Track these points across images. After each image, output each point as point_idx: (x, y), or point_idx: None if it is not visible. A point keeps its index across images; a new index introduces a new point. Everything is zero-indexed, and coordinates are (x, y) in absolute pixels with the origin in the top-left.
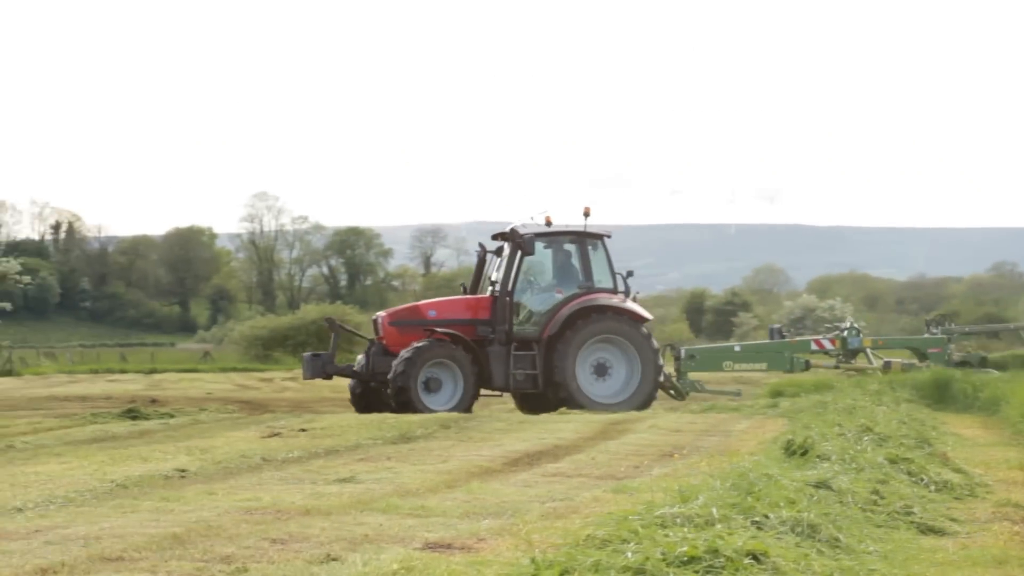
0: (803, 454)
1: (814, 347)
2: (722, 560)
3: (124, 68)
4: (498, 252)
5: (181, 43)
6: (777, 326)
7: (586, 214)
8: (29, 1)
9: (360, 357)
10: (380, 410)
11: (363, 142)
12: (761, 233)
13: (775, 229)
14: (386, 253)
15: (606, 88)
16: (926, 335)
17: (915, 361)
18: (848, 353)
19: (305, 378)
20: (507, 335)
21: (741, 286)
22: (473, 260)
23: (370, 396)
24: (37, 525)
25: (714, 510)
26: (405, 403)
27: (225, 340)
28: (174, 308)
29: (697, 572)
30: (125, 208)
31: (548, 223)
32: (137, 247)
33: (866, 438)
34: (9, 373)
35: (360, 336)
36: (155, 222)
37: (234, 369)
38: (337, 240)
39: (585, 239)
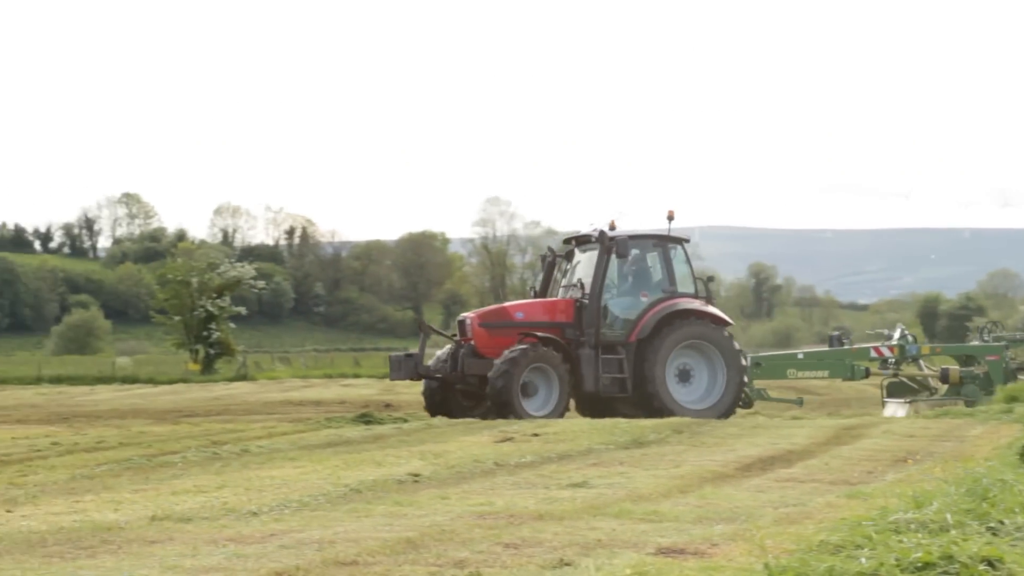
0: None
1: (873, 355)
2: (956, 566)
3: (358, 76)
4: (568, 256)
5: (413, 54)
6: (836, 333)
7: (670, 218)
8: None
9: (439, 355)
10: (455, 413)
11: (594, 146)
12: (996, 237)
13: (1010, 233)
14: None
15: (840, 92)
16: (976, 342)
17: (973, 368)
18: (901, 361)
19: (393, 379)
20: (595, 339)
21: (976, 291)
22: (704, 264)
23: (447, 398)
24: (272, 529)
25: (948, 516)
26: (505, 406)
27: None
28: (407, 313)
29: None
30: (358, 213)
31: (612, 227)
32: (370, 252)
33: None
34: (244, 378)
35: (447, 337)
36: (388, 227)
37: None
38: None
39: (667, 243)
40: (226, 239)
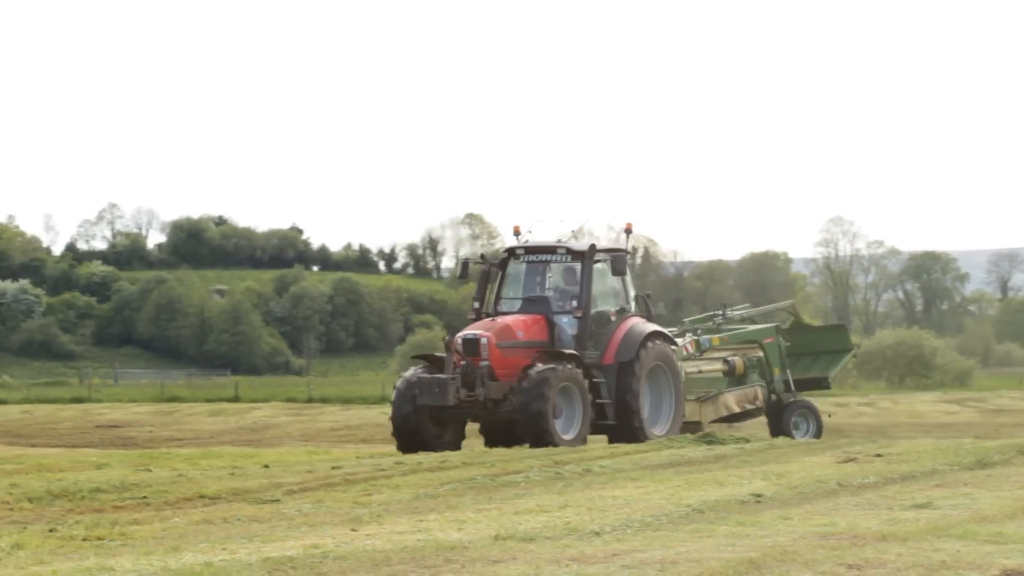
0: None
1: (683, 352)
2: None
3: (707, 97)
4: (502, 266)
5: (755, 71)
6: None
7: (628, 231)
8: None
9: (410, 373)
10: (428, 445)
11: (942, 161)
12: None
13: None
14: (962, 278)
15: None
16: (753, 327)
17: (760, 354)
18: (697, 356)
19: (426, 402)
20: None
21: None
22: None
23: (421, 426)
24: (614, 549)
25: None
26: (538, 432)
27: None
28: None
29: None
30: (701, 233)
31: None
32: (713, 272)
33: None
34: None
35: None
36: (730, 247)
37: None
38: (913, 264)
39: (623, 258)
40: None
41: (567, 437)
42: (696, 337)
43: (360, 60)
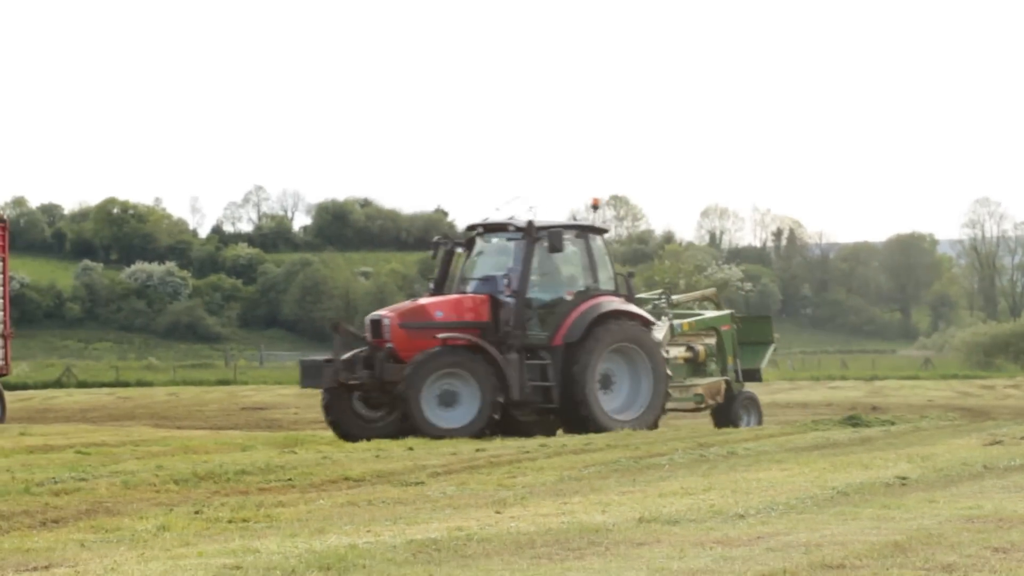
0: None
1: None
2: None
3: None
4: (468, 246)
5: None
6: None
7: (595, 207)
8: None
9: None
10: (353, 429)
11: None
12: None
13: None
14: None
15: None
16: (712, 313)
17: (713, 341)
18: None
19: (306, 387)
20: (521, 341)
21: None
22: None
23: (344, 410)
24: (759, 532)
25: None
26: (409, 421)
27: (946, 347)
28: (895, 315)
29: None
30: (846, 214)
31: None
32: (858, 253)
33: None
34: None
35: (362, 339)
36: (876, 228)
37: (955, 376)
38: None
39: (589, 234)
40: (713, 241)
41: (453, 427)
42: (671, 321)
43: (503, 41)
